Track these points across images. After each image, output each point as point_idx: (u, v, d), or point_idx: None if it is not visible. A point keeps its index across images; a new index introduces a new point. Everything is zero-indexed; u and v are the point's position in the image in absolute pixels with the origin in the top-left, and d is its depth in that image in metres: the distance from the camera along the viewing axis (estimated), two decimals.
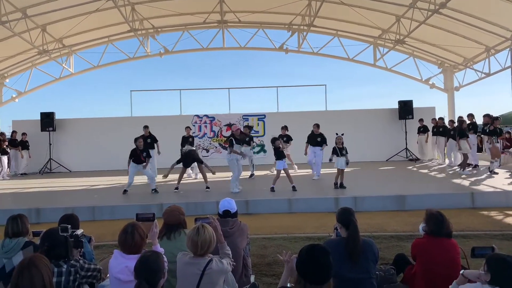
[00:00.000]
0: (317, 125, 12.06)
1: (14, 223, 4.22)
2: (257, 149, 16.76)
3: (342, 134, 10.05)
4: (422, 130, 15.95)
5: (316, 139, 11.82)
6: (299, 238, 6.51)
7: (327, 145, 11.62)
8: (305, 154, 12.14)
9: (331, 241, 3.59)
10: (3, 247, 4.19)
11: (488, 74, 16.19)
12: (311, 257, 2.46)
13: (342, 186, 9.76)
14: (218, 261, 3.12)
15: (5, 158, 14.94)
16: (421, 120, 15.98)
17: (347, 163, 9.76)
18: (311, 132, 12.10)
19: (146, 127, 12.53)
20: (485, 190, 9.15)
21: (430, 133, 15.61)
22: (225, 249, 3.51)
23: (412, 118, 16.46)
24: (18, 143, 15.64)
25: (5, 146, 15.12)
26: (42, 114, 16.59)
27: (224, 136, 17.23)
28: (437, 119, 15.25)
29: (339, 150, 9.82)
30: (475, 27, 13.50)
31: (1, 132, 16.14)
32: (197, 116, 17.36)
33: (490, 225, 7.11)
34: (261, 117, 17.40)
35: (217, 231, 3.42)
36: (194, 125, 17.05)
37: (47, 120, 16.44)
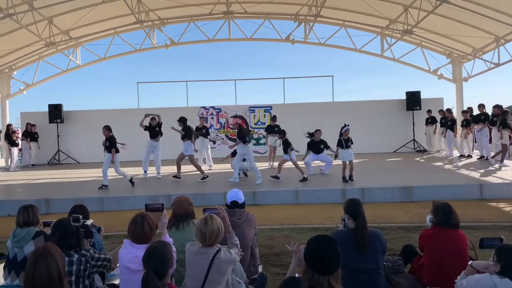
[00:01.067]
0: (320, 131, 10.94)
1: (25, 213, 4.29)
2: (264, 140, 16.76)
3: (348, 125, 9.73)
4: (430, 121, 15.86)
5: (319, 146, 10.86)
6: (306, 229, 6.54)
7: (329, 147, 10.82)
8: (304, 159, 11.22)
9: (339, 232, 3.60)
10: (14, 236, 4.26)
11: (498, 65, 15.99)
12: (319, 248, 2.47)
13: (351, 179, 9.51)
14: (226, 251, 3.15)
15: (15, 150, 15.10)
16: (429, 111, 15.87)
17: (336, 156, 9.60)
18: (310, 140, 10.95)
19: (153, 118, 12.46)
20: (493, 182, 9.09)
21: (438, 124, 15.51)
22: (233, 239, 3.54)
23: (420, 109, 16.35)
24: (30, 135, 15.80)
25: (15, 138, 15.27)
26: (50, 106, 16.71)
27: (231, 128, 17.24)
28: (445, 111, 15.10)
29: (345, 142, 9.56)
30: (485, 16, 13.30)
31: (9, 124, 16.28)
32: (204, 107, 17.38)
33: (499, 216, 7.08)
34: (268, 109, 17.39)
35: (225, 221, 3.45)
36: (200, 117, 17.05)
37: (55, 112, 16.56)
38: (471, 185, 8.89)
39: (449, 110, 14.73)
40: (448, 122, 14.36)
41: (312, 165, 11.07)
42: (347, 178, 9.53)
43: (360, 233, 3.36)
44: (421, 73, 19.24)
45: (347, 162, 9.58)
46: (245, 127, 10.47)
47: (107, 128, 9.79)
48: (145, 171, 11.37)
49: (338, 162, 10.02)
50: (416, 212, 7.38)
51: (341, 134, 9.66)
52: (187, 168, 12.83)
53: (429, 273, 3.63)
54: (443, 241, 3.58)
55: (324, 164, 11.19)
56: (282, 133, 10.39)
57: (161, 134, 11.76)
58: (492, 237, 3.00)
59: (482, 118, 12.90)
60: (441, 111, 15.43)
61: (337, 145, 9.69)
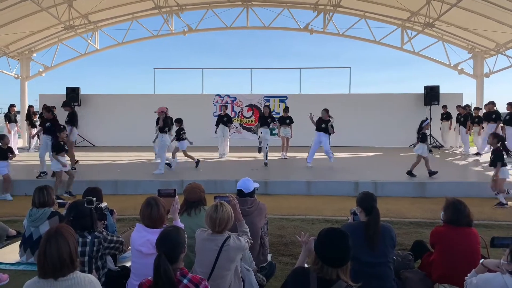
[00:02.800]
0: (325, 111, 11.09)
1: (40, 193, 4.40)
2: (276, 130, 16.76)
3: (427, 119, 9.75)
4: (445, 117, 15.62)
5: (320, 125, 10.97)
6: (316, 220, 6.54)
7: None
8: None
9: (350, 225, 3.60)
10: (30, 216, 4.38)
11: None
12: (330, 240, 2.47)
13: (432, 172, 9.04)
14: (235, 238, 3.18)
15: (34, 131, 15.34)
16: (444, 107, 15.60)
17: (430, 151, 9.20)
18: (318, 118, 11.14)
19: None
20: (510, 180, 8.93)
21: (453, 120, 15.26)
22: (243, 227, 3.57)
23: (438, 104, 16.08)
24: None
25: (35, 119, 15.49)
26: (68, 89, 16.91)
27: (245, 117, 17.25)
28: (462, 107, 14.81)
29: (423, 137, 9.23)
30: (510, 10, 12.94)
31: (30, 105, 16.51)
32: (219, 95, 17.38)
33: None
34: (283, 99, 17.30)
35: (235, 209, 3.48)
36: (215, 105, 17.09)
37: (73, 95, 16.74)
38: (486, 182, 8.73)
39: (463, 106, 14.43)
40: (461, 118, 14.12)
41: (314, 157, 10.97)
42: (431, 172, 9.10)
43: (372, 229, 3.36)
44: (440, 67, 18.89)
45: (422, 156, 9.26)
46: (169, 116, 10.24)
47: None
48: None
49: (345, 154, 9.95)
50: (429, 208, 7.31)
51: (421, 128, 9.37)
52: (200, 155, 12.93)
53: (439, 269, 3.60)
54: (454, 239, 3.54)
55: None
56: (179, 122, 10.94)
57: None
58: (504, 237, 2.96)
59: (493, 117, 12.69)
60: (458, 106, 15.16)
61: (422, 140, 9.27)
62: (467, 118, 14.02)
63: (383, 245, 3.37)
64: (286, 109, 13.41)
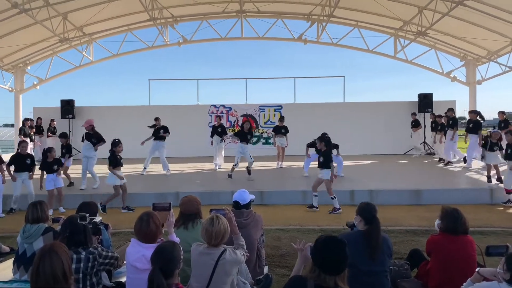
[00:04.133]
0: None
1: (34, 209, 4.35)
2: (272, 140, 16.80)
3: (496, 128, 9.74)
4: (434, 126, 15.68)
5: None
6: (312, 230, 6.53)
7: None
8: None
9: (350, 234, 3.62)
10: (24, 232, 4.33)
11: None
12: (327, 247, 2.47)
13: (499, 180, 9.06)
14: (231, 252, 3.17)
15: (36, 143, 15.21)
16: (432, 115, 15.53)
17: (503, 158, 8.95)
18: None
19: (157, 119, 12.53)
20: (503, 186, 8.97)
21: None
22: (239, 240, 3.55)
23: (432, 111, 16.17)
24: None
25: (32, 133, 15.31)
26: (62, 101, 16.90)
27: (240, 126, 17.25)
28: (433, 114, 14.62)
29: (492, 145, 9.37)
30: (500, 19, 13.10)
31: (38, 117, 16.24)
32: (214, 106, 17.41)
33: (509, 221, 7.00)
34: (278, 108, 17.35)
35: (231, 222, 3.47)
36: (210, 115, 17.12)
37: (67, 107, 16.74)
38: (481, 189, 8.79)
39: (439, 115, 14.18)
40: (432, 124, 14.25)
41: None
42: (495, 179, 9.24)
43: (374, 239, 3.41)
44: (434, 75, 19.06)
45: (491, 164, 9.38)
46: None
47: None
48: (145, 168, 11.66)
49: (353, 163, 9.97)
50: (424, 216, 7.32)
51: (489, 136, 9.54)
52: (195, 166, 12.91)
53: (436, 278, 3.61)
54: (450, 247, 3.55)
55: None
56: (64, 137, 10.44)
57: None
58: (498, 245, 2.97)
59: (450, 123, 13.00)
60: (431, 114, 14.93)
61: (491, 149, 9.42)
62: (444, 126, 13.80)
63: (382, 254, 3.41)
64: (281, 119, 13.40)
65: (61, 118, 16.59)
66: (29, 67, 18.62)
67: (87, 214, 3.39)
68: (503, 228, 6.57)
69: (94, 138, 9.48)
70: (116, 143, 8.49)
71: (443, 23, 14.38)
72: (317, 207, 7.92)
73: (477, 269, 3.07)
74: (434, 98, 16.60)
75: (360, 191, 8.67)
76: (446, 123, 13.32)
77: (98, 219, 3.59)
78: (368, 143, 16.29)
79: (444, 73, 18.63)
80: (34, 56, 17.92)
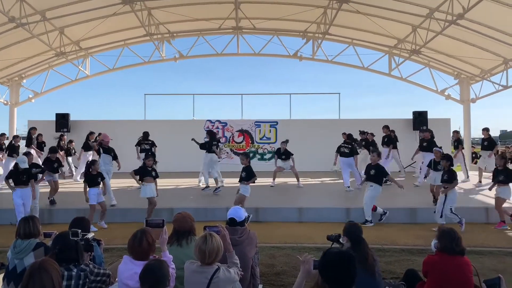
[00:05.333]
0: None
1: (26, 224, 4.27)
2: (269, 155, 16.81)
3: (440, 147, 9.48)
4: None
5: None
6: (308, 248, 6.47)
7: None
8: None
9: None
10: (15, 247, 4.24)
11: (506, 87, 15.94)
12: (340, 262, 2.40)
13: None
14: (225, 270, 3.12)
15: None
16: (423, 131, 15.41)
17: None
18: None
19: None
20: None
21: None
22: (233, 258, 3.50)
23: (427, 129, 16.25)
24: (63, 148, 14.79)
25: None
26: (58, 115, 16.84)
27: (236, 142, 17.26)
28: (387, 128, 14.08)
29: (435, 164, 8.94)
30: (493, 38, 13.32)
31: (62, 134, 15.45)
32: (210, 121, 17.43)
33: (504, 241, 6.97)
34: (274, 124, 17.39)
35: (225, 240, 3.42)
36: (206, 130, 17.09)
37: (62, 121, 16.67)
38: (476, 208, 8.79)
39: (388, 127, 13.96)
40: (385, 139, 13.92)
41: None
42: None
43: (364, 258, 3.39)
44: (428, 92, 19.22)
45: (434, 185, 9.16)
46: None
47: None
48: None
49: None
50: (420, 234, 7.29)
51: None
52: (189, 181, 12.84)
53: None
54: (447, 268, 3.52)
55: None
56: None
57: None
58: (492, 278, 2.97)
59: (385, 141, 13.27)
60: (384, 127, 14.09)
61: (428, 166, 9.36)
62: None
63: (378, 274, 3.40)
64: (285, 142, 12.71)
65: (56, 131, 16.49)
66: (24, 81, 18.58)
67: (80, 230, 3.32)
68: (499, 248, 6.54)
69: (112, 152, 9.51)
70: (147, 156, 8.70)
71: (437, 41, 14.59)
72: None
73: None
74: (429, 116, 16.71)
75: (355, 209, 8.63)
76: (382, 140, 13.36)
77: (90, 235, 3.53)
78: (364, 160, 16.28)
79: (439, 91, 18.81)
80: (30, 69, 17.92)
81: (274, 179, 12.54)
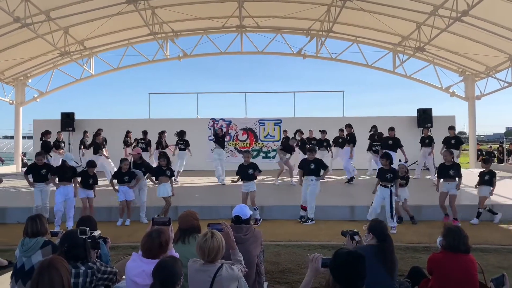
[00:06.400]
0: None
1: (33, 223, 4.33)
2: (273, 153, 16.82)
3: (406, 162, 9.52)
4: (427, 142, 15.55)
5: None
6: (313, 246, 6.48)
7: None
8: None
9: (362, 248, 3.59)
10: (22, 245, 4.29)
11: (511, 84, 15.86)
12: (351, 262, 2.44)
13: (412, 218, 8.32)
14: (228, 268, 3.13)
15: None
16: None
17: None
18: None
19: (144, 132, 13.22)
20: (505, 203, 8.95)
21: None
22: (237, 256, 3.51)
23: (431, 126, 16.22)
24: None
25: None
26: (63, 114, 16.94)
27: (240, 140, 17.27)
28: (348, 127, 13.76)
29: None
30: (498, 35, 13.26)
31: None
32: (214, 119, 17.46)
33: (509, 239, 6.96)
34: (277, 122, 17.40)
35: (229, 237, 3.43)
36: (210, 129, 17.15)
37: (67, 120, 16.78)
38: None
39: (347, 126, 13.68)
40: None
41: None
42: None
43: (389, 255, 3.52)
44: (433, 90, 19.21)
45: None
46: None
47: None
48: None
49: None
50: (425, 232, 7.29)
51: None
52: (195, 180, 12.89)
53: None
54: (452, 266, 3.52)
55: None
56: None
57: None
58: (497, 277, 2.96)
59: (325, 145, 13.57)
60: (347, 126, 13.72)
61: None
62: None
63: (396, 275, 3.52)
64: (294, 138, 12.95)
65: (61, 130, 16.59)
66: (29, 80, 18.71)
67: (88, 229, 3.37)
68: (504, 245, 6.53)
69: (143, 167, 8.92)
70: (160, 156, 8.74)
71: (442, 38, 14.54)
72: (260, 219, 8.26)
73: None
74: (434, 113, 16.66)
75: (360, 207, 8.63)
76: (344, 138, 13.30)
77: (97, 233, 3.57)
78: (368, 158, 16.27)
79: (443, 88, 18.74)
80: (35, 69, 18.04)
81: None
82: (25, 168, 8.59)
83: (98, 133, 13.16)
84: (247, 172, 8.26)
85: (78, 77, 18.94)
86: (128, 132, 14.26)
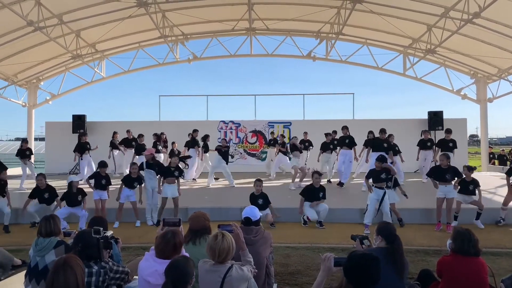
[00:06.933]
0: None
1: (47, 223, 4.41)
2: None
3: (391, 163, 9.35)
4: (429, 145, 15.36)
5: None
6: (322, 248, 6.48)
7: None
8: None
9: (373, 250, 3.61)
10: (36, 245, 4.37)
11: None
12: (365, 265, 2.47)
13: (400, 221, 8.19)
14: (238, 268, 3.16)
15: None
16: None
17: (405, 196, 8.31)
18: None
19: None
20: None
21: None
22: (246, 257, 3.54)
23: (442, 129, 16.06)
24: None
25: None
26: (74, 116, 17.14)
27: (250, 143, 17.31)
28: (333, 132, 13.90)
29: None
30: (510, 37, 13.14)
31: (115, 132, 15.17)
32: (223, 122, 17.53)
33: None
34: (287, 125, 17.41)
35: (239, 238, 3.47)
36: (219, 131, 17.22)
37: (79, 122, 16.97)
38: (494, 209, 8.65)
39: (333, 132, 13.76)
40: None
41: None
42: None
43: (399, 256, 3.53)
44: (444, 92, 19.04)
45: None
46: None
47: None
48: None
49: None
50: (436, 235, 7.25)
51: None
52: (204, 181, 12.93)
53: None
54: (461, 269, 3.50)
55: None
56: None
57: None
58: (508, 276, 2.93)
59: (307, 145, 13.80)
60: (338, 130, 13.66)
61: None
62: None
63: (406, 272, 3.55)
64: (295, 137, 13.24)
65: (73, 132, 16.80)
66: (42, 83, 19.00)
67: (101, 228, 3.42)
68: None
69: (157, 167, 8.84)
70: (172, 154, 9.04)
71: (453, 40, 14.45)
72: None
73: None
74: (445, 116, 16.53)
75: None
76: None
77: (109, 233, 3.62)
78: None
79: (454, 90, 18.60)
80: (47, 72, 18.31)
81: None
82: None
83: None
84: (257, 202, 7.97)
85: (90, 80, 19.20)
86: (115, 133, 14.55)
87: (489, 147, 20.18)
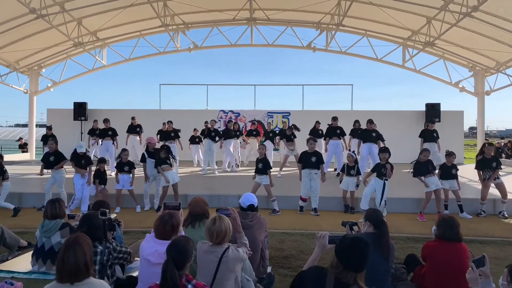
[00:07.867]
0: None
1: (53, 206, 4.65)
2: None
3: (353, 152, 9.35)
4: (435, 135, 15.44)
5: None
6: (315, 234, 6.69)
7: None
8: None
9: (363, 235, 3.83)
10: (43, 227, 4.61)
11: None
12: (355, 246, 2.62)
13: (352, 209, 8.61)
14: (234, 249, 3.39)
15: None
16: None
17: (357, 186, 8.62)
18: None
19: (170, 122, 13.35)
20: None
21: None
22: (242, 239, 3.77)
23: (439, 121, 16.28)
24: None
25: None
26: (75, 104, 17.30)
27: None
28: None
29: (348, 169, 8.71)
30: (509, 31, 13.24)
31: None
32: (223, 111, 17.70)
33: (508, 231, 7.09)
34: (286, 115, 17.59)
35: (235, 222, 3.69)
36: (219, 120, 17.40)
37: (80, 110, 17.15)
38: (489, 200, 8.85)
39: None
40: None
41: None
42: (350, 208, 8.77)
43: (385, 239, 3.74)
44: (442, 84, 19.18)
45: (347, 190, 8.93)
46: None
47: None
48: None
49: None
50: (427, 224, 7.46)
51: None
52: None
53: (430, 282, 3.80)
54: (444, 253, 3.74)
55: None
56: None
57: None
58: (478, 258, 3.08)
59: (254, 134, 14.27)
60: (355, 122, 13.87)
61: (341, 170, 9.26)
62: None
63: (392, 255, 3.74)
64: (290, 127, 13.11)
65: (74, 120, 16.99)
66: (43, 70, 19.11)
67: (108, 210, 3.64)
68: (503, 238, 6.67)
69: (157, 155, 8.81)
70: (161, 149, 8.88)
71: (452, 33, 14.55)
72: (278, 211, 8.36)
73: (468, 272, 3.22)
74: (442, 108, 16.70)
75: (361, 199, 8.79)
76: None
77: (113, 215, 3.84)
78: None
79: (453, 83, 18.74)
80: (49, 59, 18.40)
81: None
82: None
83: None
84: (257, 166, 8.42)
85: (91, 68, 19.30)
86: (95, 121, 14.17)
87: (485, 139, 20.37)
